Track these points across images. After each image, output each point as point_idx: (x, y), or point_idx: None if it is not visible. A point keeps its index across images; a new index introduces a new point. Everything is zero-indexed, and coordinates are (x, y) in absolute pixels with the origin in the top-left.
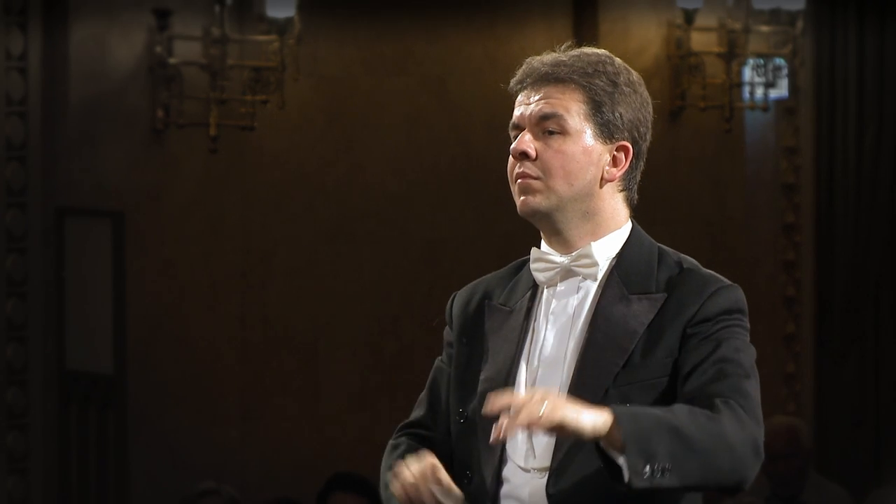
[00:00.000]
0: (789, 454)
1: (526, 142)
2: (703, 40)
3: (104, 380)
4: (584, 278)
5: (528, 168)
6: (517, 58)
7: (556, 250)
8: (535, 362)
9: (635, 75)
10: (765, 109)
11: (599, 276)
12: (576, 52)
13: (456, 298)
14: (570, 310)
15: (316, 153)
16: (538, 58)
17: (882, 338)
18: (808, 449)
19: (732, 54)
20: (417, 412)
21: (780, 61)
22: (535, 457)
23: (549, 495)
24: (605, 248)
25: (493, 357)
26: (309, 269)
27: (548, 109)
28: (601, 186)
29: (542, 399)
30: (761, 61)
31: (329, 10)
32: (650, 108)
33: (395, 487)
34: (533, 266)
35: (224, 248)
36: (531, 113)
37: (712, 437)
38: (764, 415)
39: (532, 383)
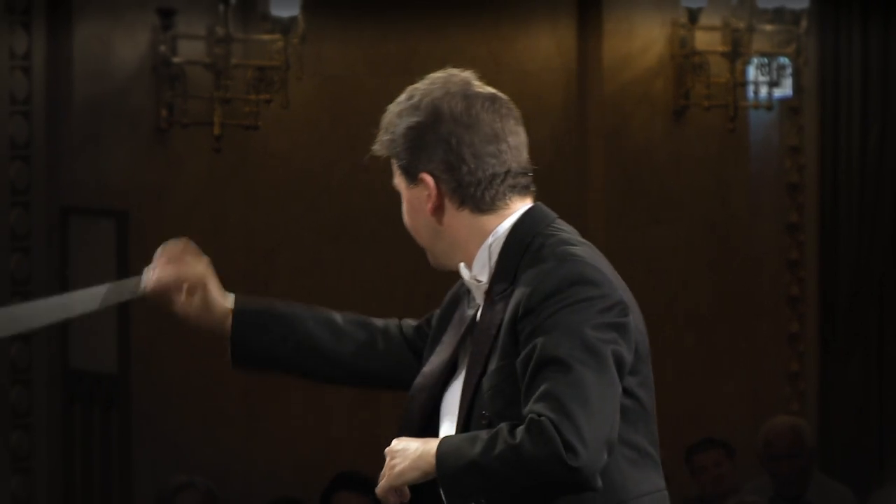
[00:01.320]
0: (792, 454)
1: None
2: (707, 39)
3: (108, 379)
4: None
5: None
6: (521, 58)
7: None
8: (454, 375)
9: (420, 94)
10: (769, 109)
11: (481, 292)
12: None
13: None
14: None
15: (320, 153)
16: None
17: (886, 337)
18: (811, 449)
19: (736, 53)
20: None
21: (784, 60)
22: None
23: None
24: (482, 263)
25: (437, 354)
26: (312, 269)
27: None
28: (445, 218)
29: (390, 464)
30: (765, 60)
31: (333, 9)
32: (441, 114)
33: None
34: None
35: (228, 248)
36: None
37: (511, 467)
38: (767, 413)
39: (450, 398)
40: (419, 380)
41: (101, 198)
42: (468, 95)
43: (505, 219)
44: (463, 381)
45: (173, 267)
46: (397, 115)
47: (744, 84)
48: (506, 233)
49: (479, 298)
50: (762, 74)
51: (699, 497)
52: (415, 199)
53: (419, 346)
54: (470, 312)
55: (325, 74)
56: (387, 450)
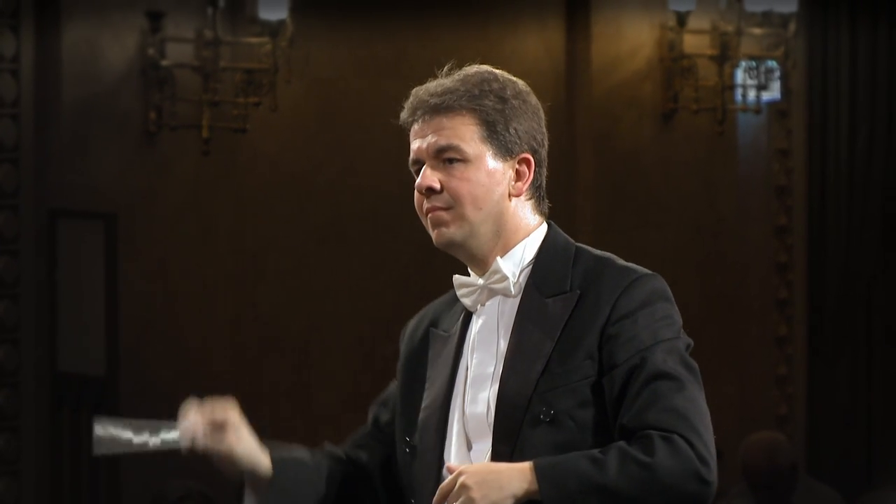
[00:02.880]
0: (771, 470)
1: (428, 176)
2: (695, 43)
3: (96, 382)
4: (500, 293)
5: (437, 200)
6: (510, 60)
7: (475, 273)
8: (465, 387)
9: (521, 84)
10: (757, 112)
11: (516, 289)
12: (459, 74)
13: (406, 329)
14: (493, 326)
15: (308, 155)
16: (424, 87)
17: (874, 340)
18: (790, 465)
19: (725, 57)
20: (361, 430)
21: (772, 64)
22: None
23: None
24: (516, 259)
25: (430, 384)
26: (301, 271)
27: (443, 141)
28: (517, 203)
29: (468, 497)
30: (753, 64)
31: (321, 12)
32: (542, 113)
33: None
34: (459, 294)
35: (216, 250)
36: (428, 146)
37: (644, 486)
38: (755, 416)
39: (462, 409)
40: (423, 414)
41: (90, 201)
42: None
43: (541, 224)
44: (500, 381)
45: (220, 438)
46: (499, 87)
47: (732, 87)
48: (541, 239)
49: (494, 296)
50: (750, 78)
51: None
52: (497, 172)
53: (384, 438)
54: (456, 327)
55: (314, 77)
56: (448, 485)
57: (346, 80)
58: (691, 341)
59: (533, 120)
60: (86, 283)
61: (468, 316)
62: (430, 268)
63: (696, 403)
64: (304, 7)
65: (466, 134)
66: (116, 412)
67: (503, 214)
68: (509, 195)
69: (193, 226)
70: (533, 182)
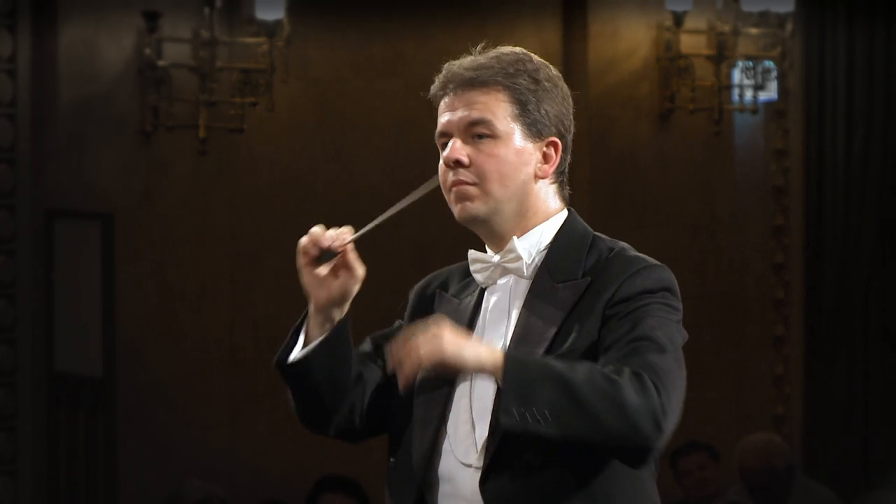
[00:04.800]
0: (767, 471)
1: (457, 149)
2: (692, 43)
3: (93, 382)
4: (513, 273)
5: (463, 175)
6: None
7: (492, 250)
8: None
9: (554, 70)
10: (754, 112)
11: (529, 270)
12: (493, 52)
13: (416, 287)
14: (504, 305)
15: (305, 155)
16: (457, 62)
17: (871, 340)
18: (786, 466)
19: (722, 57)
20: (361, 347)
21: (769, 64)
22: (476, 451)
23: (482, 491)
24: (532, 241)
25: None
26: (297, 272)
27: (476, 115)
28: (542, 185)
29: (425, 337)
30: (750, 64)
31: (318, 12)
32: (570, 101)
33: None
34: (472, 268)
35: (213, 250)
36: (458, 119)
37: (605, 397)
38: (752, 417)
39: (470, 386)
40: (423, 374)
41: (87, 201)
42: None
43: (561, 210)
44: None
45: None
46: (533, 68)
47: (729, 87)
48: (560, 224)
49: (506, 275)
50: (747, 78)
51: (684, 500)
52: (525, 152)
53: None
54: (469, 300)
55: (310, 77)
56: (407, 343)
57: (343, 80)
58: (687, 335)
59: (563, 105)
60: (83, 282)
61: (482, 291)
62: (426, 268)
63: (672, 370)
64: (300, 7)
65: (498, 110)
66: (114, 412)
67: (528, 195)
68: (535, 177)
69: (190, 226)
70: (558, 166)
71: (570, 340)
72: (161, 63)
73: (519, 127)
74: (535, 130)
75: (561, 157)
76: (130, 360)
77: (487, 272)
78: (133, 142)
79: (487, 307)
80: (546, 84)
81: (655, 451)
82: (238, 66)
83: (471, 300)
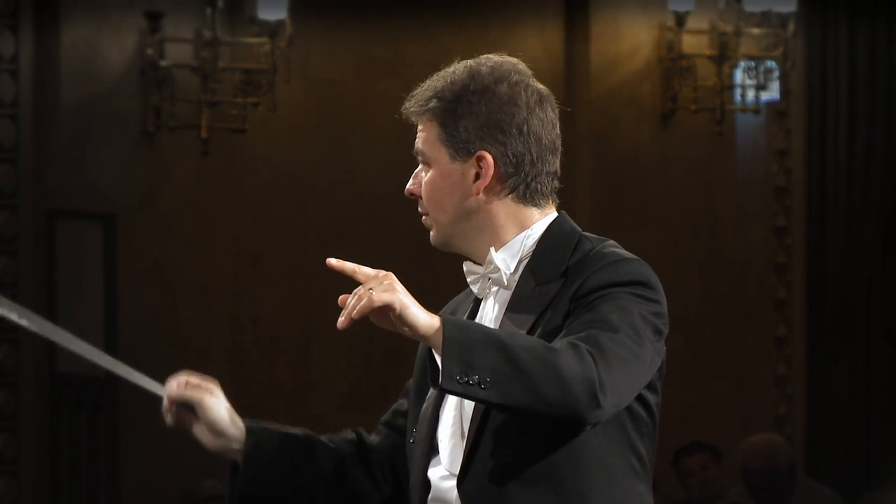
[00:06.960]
0: (769, 471)
1: (410, 183)
2: (694, 43)
3: (95, 382)
4: (497, 284)
5: (420, 206)
6: None
7: (478, 263)
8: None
9: (499, 72)
10: (756, 112)
11: (512, 279)
12: (454, 68)
13: None
14: (491, 314)
15: (307, 155)
16: (422, 86)
17: (873, 340)
18: (788, 466)
19: (724, 57)
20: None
21: (771, 64)
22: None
23: (459, 493)
24: (513, 251)
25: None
26: (300, 272)
27: (417, 145)
28: (487, 200)
29: (378, 280)
30: (752, 64)
31: (320, 12)
32: (519, 99)
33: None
34: (468, 280)
35: (215, 251)
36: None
37: (543, 364)
38: (754, 417)
39: (460, 400)
40: (427, 403)
41: (89, 201)
42: (541, 91)
43: (545, 216)
44: None
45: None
46: (458, 85)
47: (731, 87)
48: (544, 229)
49: (495, 286)
50: (749, 78)
51: (686, 500)
52: (454, 173)
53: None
54: (465, 313)
55: (313, 77)
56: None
57: (345, 80)
58: (663, 329)
59: (495, 112)
60: (85, 283)
61: (477, 302)
62: (429, 268)
63: (619, 351)
64: (302, 7)
65: (431, 136)
66: (115, 412)
67: (477, 213)
68: (475, 194)
69: (192, 226)
70: (505, 176)
71: (537, 336)
72: (163, 63)
73: (445, 149)
74: (460, 149)
75: (500, 166)
76: (132, 361)
77: (479, 283)
78: (135, 142)
79: (481, 318)
80: (471, 97)
81: (595, 422)
82: (240, 67)
83: (466, 312)
